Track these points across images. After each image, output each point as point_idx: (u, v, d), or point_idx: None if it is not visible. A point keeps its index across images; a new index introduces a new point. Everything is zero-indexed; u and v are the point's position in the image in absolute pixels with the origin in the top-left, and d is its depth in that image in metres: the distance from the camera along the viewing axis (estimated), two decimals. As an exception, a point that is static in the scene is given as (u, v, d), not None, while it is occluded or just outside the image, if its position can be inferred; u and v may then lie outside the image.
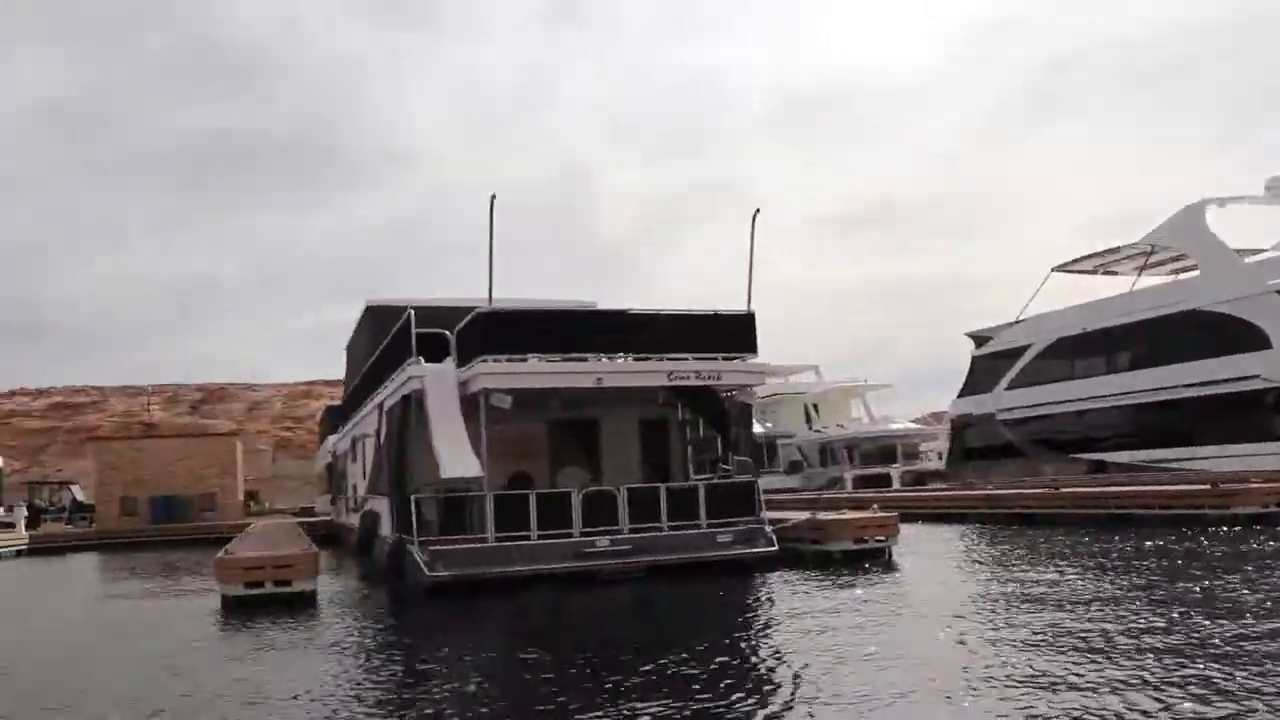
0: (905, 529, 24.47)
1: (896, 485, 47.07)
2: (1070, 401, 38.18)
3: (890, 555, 17.32)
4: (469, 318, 17.70)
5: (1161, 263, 37.82)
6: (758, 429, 57.32)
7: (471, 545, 16.01)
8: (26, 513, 41.43)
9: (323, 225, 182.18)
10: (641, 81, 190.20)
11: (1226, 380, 32.10)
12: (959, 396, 44.69)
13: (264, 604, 13.94)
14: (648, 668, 8.54)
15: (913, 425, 56.63)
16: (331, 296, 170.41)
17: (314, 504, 52.34)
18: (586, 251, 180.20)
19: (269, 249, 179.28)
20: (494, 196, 16.74)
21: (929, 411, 74.25)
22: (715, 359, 18.05)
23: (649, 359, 17.94)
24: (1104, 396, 36.68)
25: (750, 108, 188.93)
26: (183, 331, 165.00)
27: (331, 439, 39.17)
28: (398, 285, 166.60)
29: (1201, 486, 21.37)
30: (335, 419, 39.27)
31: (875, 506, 19.10)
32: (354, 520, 25.88)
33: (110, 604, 18.42)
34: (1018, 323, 41.41)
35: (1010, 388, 41.26)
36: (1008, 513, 26.06)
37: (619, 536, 16.83)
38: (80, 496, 53.77)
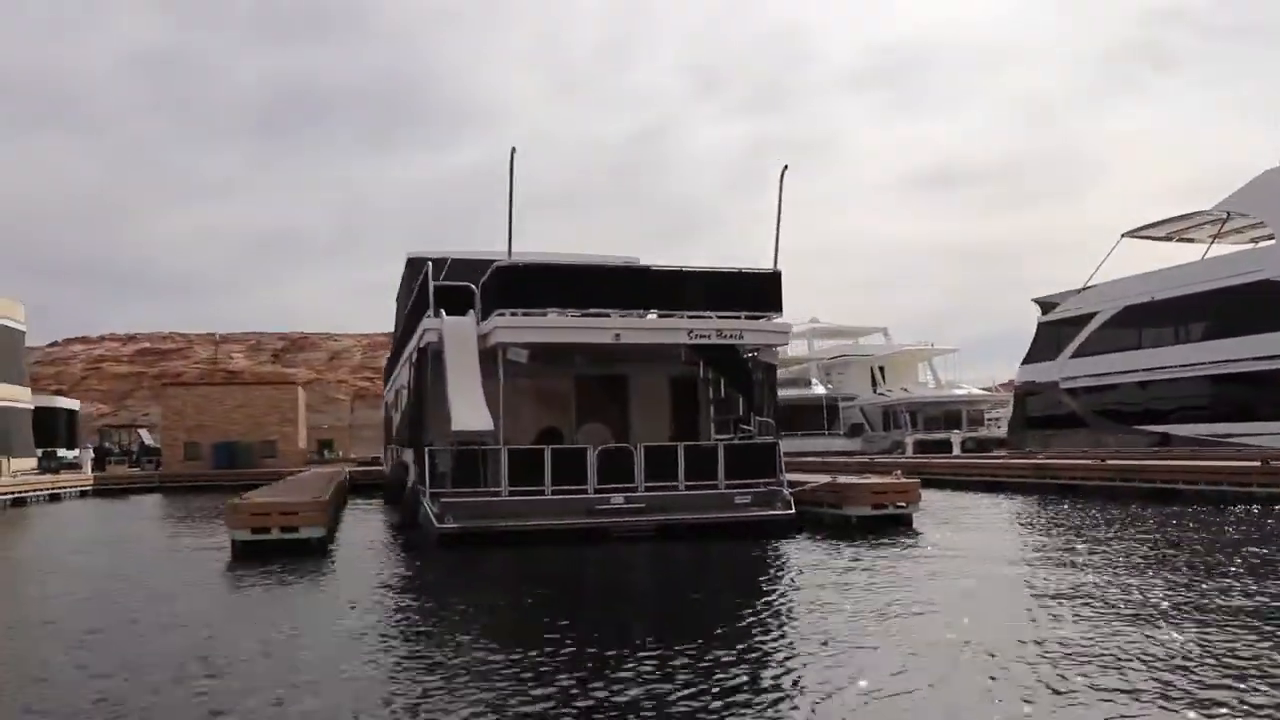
0: (940, 496, 24.17)
1: (957, 451, 46.22)
2: (1135, 372, 36.99)
3: (911, 521, 16.93)
4: (489, 271, 17.62)
5: (1238, 230, 36.31)
6: (819, 390, 57.08)
7: (483, 498, 16.03)
8: (93, 455, 42.72)
9: (408, 176, 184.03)
10: (722, 36, 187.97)
11: (1297, 354, 30.81)
12: (1024, 363, 43.62)
13: (273, 550, 14.12)
14: (632, 621, 8.55)
15: (978, 391, 55.52)
16: (413, 248, 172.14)
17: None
18: (664, 208, 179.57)
19: (353, 201, 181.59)
20: (514, 150, 16.67)
21: (1002, 379, 73.01)
22: (738, 318, 17.72)
23: (670, 316, 17.68)
24: (1170, 368, 35.47)
25: (832, 64, 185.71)
26: (265, 281, 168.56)
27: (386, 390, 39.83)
28: (474, 238, 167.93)
29: (1251, 464, 20.51)
30: (388, 370, 39.88)
31: (898, 472, 18.63)
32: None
33: (129, 543, 18.90)
34: (1085, 289, 40.16)
35: (1075, 356, 40.13)
36: (1054, 483, 25.38)
37: (634, 494, 16.68)
38: (149, 441, 55.39)
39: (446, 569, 13.51)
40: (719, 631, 8.15)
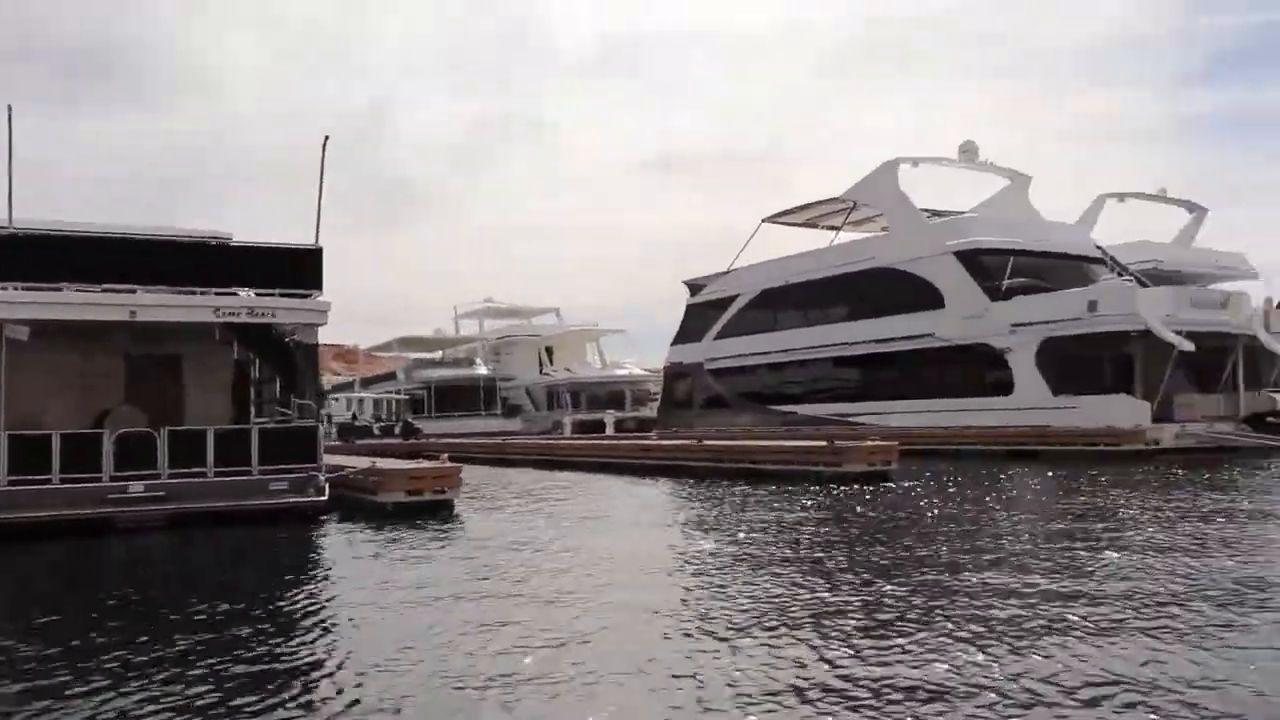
0: (534, 479, 23.46)
1: (610, 431, 46.32)
2: (770, 354, 38.10)
3: (452, 507, 15.87)
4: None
5: (867, 218, 37.98)
6: (481, 370, 55.95)
7: (-28, 489, 13.72)
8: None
9: (105, 140, 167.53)
10: (452, 15, 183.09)
11: (905, 338, 32.45)
12: (673, 344, 44.21)
13: None
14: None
15: (639, 371, 56.10)
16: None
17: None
18: (386, 185, 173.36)
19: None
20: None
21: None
22: (273, 295, 16.08)
23: (195, 293, 15.78)
24: (799, 350, 36.72)
25: (567, 50, 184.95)
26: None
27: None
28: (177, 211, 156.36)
29: (819, 444, 20.96)
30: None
31: (444, 457, 17.57)
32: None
33: None
34: (729, 273, 41.04)
35: (718, 338, 40.97)
36: (659, 464, 25.16)
37: (156, 482, 14.78)
38: None
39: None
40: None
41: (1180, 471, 20.34)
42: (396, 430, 44.21)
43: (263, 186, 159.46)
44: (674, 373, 43.97)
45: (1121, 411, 26.51)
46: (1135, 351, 28.32)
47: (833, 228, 38.93)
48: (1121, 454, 24.85)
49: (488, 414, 51.40)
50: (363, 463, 17.14)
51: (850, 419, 34.04)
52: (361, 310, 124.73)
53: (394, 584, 9.17)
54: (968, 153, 34.76)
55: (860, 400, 34.30)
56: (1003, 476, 19.98)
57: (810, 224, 39.71)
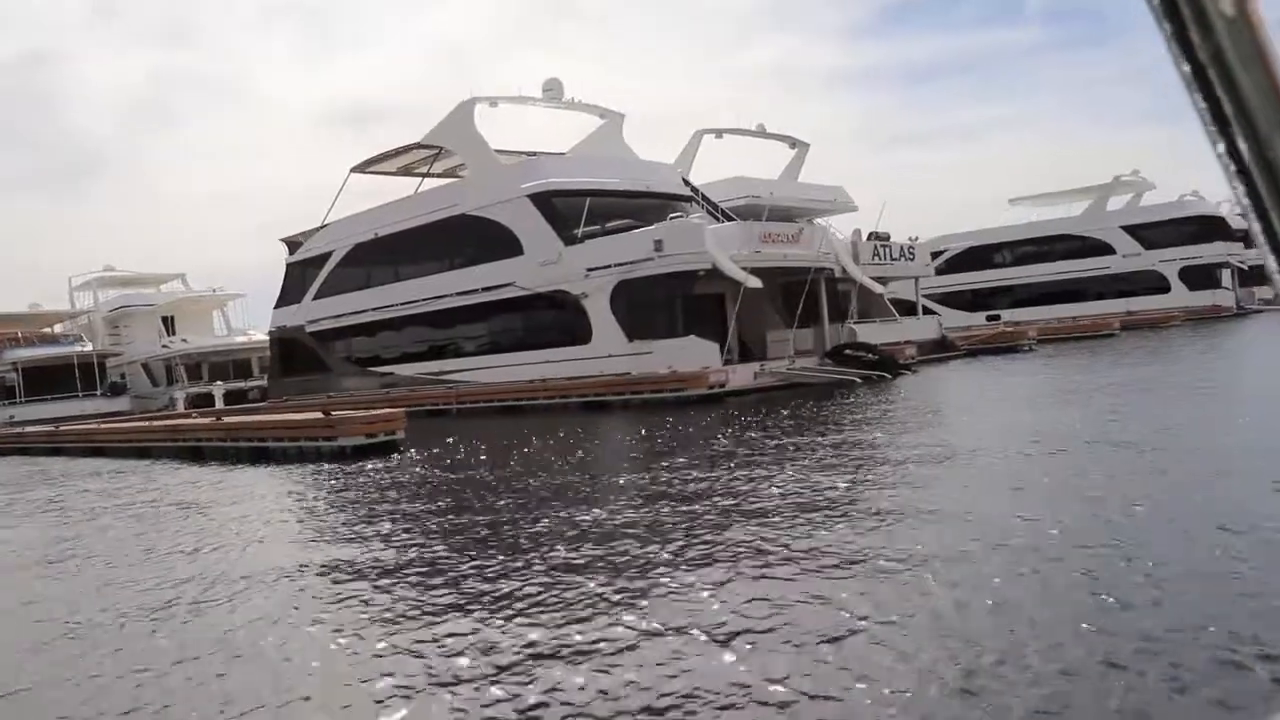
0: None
1: (219, 405, 42.17)
2: (363, 312, 35.36)
3: None
4: None
5: (456, 166, 35.59)
6: (80, 347, 49.86)
7: None
8: None
9: None
10: None
11: (487, 289, 30.55)
12: (275, 307, 40.49)
13: None
14: None
15: (261, 337, 51.75)
16: None
17: None
18: (55, 146, 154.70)
19: None
20: None
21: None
22: None
23: None
24: (391, 307, 34.19)
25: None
26: None
27: None
28: None
29: (316, 417, 18.60)
30: None
31: None
32: None
33: None
34: (323, 227, 37.74)
35: (316, 298, 37.74)
36: (184, 447, 22.05)
37: None
38: None
39: None
40: None
41: (718, 414, 19.60)
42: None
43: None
44: (278, 338, 40.35)
45: (694, 354, 25.61)
46: (725, 290, 27.65)
47: (416, 174, 36.38)
48: (687, 399, 23.92)
49: (85, 395, 45.70)
50: None
51: (445, 377, 31.96)
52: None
53: None
54: (550, 90, 32.93)
55: (455, 357, 32.27)
56: (518, 438, 18.33)
57: (406, 171, 36.80)
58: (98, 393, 46.36)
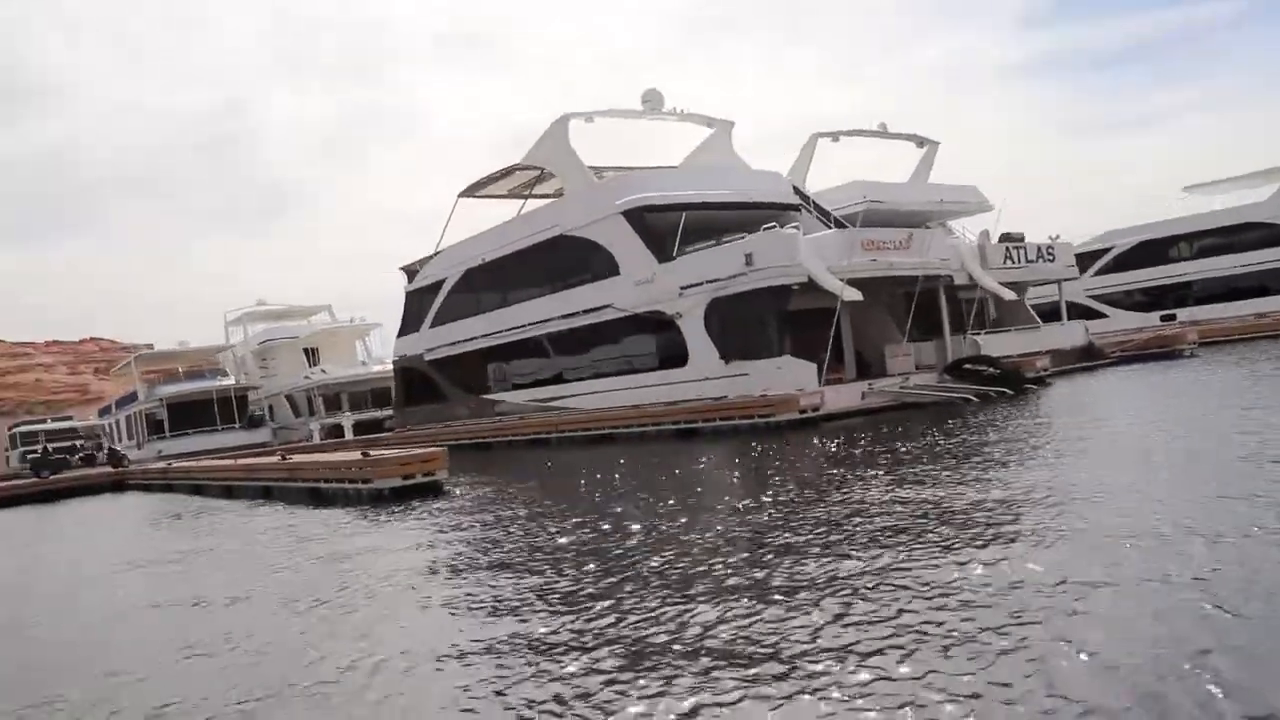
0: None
1: (349, 435, 42.61)
2: (474, 339, 34.86)
3: None
4: None
5: (559, 185, 34.51)
6: (222, 381, 51.26)
7: None
8: None
9: None
10: (307, 8, 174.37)
11: (586, 311, 29.45)
12: (398, 336, 40.58)
13: None
14: None
15: (393, 367, 52.19)
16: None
17: None
18: (251, 185, 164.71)
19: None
20: None
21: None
22: None
23: None
24: (499, 333, 33.56)
25: (423, 33, 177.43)
26: None
27: None
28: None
29: (354, 457, 17.71)
30: None
31: None
32: None
33: None
34: (436, 255, 37.50)
35: (433, 326, 37.55)
36: (260, 485, 21.70)
37: None
38: None
39: None
40: None
41: (796, 444, 17.66)
42: (100, 458, 39.81)
43: (135, 193, 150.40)
44: (401, 367, 40.38)
45: (790, 375, 23.77)
46: (827, 305, 25.67)
47: (523, 196, 35.56)
48: (778, 425, 22.06)
49: (225, 428, 47.00)
50: None
51: (552, 404, 31.06)
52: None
53: None
54: (650, 102, 31.64)
55: (559, 383, 31.31)
56: (582, 476, 16.96)
57: (515, 194, 36.10)
58: (237, 425, 47.59)
